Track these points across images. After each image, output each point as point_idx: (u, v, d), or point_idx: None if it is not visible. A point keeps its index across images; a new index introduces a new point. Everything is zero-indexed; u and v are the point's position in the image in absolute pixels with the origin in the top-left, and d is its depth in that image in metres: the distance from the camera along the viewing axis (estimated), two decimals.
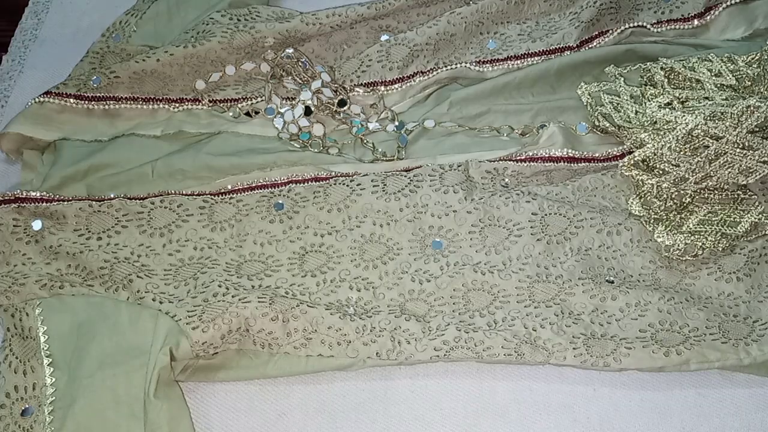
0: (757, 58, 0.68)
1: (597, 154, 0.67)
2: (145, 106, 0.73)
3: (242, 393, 0.60)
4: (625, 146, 0.67)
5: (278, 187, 0.66)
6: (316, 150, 0.69)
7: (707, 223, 0.62)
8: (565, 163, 0.66)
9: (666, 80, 0.69)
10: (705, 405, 0.58)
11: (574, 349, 0.57)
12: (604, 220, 0.63)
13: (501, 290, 0.61)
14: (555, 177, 0.66)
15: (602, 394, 0.59)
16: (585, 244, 0.62)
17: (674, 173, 0.62)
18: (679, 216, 0.63)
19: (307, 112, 0.71)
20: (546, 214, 0.63)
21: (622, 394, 0.59)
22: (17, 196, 0.64)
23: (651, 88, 0.68)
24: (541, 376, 0.59)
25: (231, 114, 0.73)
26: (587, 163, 0.66)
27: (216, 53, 0.73)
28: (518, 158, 0.66)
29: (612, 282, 0.61)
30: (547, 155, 0.66)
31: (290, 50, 0.73)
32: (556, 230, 0.63)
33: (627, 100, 0.69)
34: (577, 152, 0.66)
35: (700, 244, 0.61)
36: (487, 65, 0.75)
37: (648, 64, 0.71)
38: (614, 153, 0.67)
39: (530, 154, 0.66)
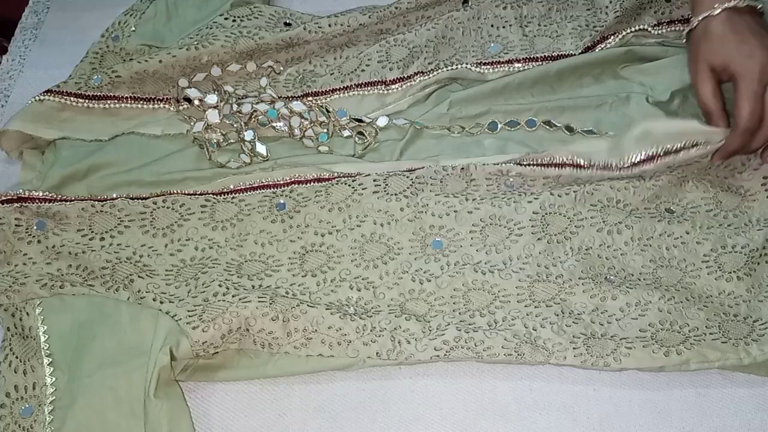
0: None
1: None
2: (145, 106, 0.73)
3: (242, 393, 0.60)
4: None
5: (280, 188, 0.66)
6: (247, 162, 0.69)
7: None
8: (571, 169, 0.65)
9: None
10: (705, 405, 0.58)
11: (574, 348, 0.57)
12: (605, 218, 0.63)
13: (501, 290, 0.61)
14: (561, 180, 0.66)
15: (602, 394, 0.59)
16: (585, 243, 0.62)
17: None
18: None
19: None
20: (546, 213, 0.63)
21: (622, 394, 0.59)
22: (20, 195, 0.64)
23: None
24: (541, 376, 0.59)
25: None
26: (594, 170, 0.66)
27: (219, 56, 0.73)
28: (522, 163, 0.66)
29: (612, 281, 0.61)
30: (551, 161, 0.65)
31: (236, 67, 0.74)
32: (556, 229, 0.63)
33: None
34: (582, 159, 0.66)
35: None
36: (488, 67, 0.75)
37: None
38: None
39: (535, 159, 0.66)
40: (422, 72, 0.74)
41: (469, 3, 0.76)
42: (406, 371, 0.60)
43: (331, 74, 0.75)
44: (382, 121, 0.71)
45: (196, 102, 0.71)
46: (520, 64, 0.75)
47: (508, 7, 0.76)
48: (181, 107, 0.72)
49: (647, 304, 0.59)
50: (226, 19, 0.75)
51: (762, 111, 0.59)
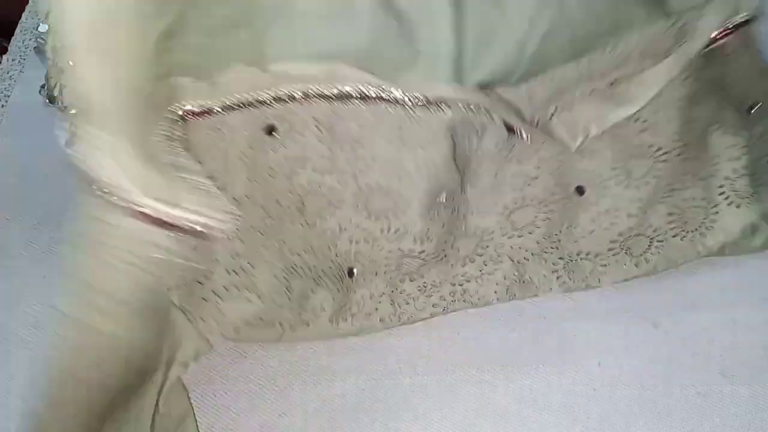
0: None
1: None
2: None
3: (242, 393, 0.60)
4: None
5: None
6: None
7: None
8: None
9: None
10: (705, 404, 0.58)
11: (557, 278, 0.59)
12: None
13: (484, 230, 0.59)
14: None
15: (602, 394, 0.59)
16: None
17: None
18: None
19: None
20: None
21: (622, 394, 0.58)
22: None
23: None
24: (541, 375, 0.59)
25: None
26: None
27: None
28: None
29: (583, 191, 0.58)
30: None
31: None
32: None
33: None
34: None
35: None
36: None
37: None
38: None
39: None
40: None
41: None
42: (407, 371, 0.60)
43: None
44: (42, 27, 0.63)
45: None
46: None
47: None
48: None
49: (617, 211, 0.58)
50: None
51: None
